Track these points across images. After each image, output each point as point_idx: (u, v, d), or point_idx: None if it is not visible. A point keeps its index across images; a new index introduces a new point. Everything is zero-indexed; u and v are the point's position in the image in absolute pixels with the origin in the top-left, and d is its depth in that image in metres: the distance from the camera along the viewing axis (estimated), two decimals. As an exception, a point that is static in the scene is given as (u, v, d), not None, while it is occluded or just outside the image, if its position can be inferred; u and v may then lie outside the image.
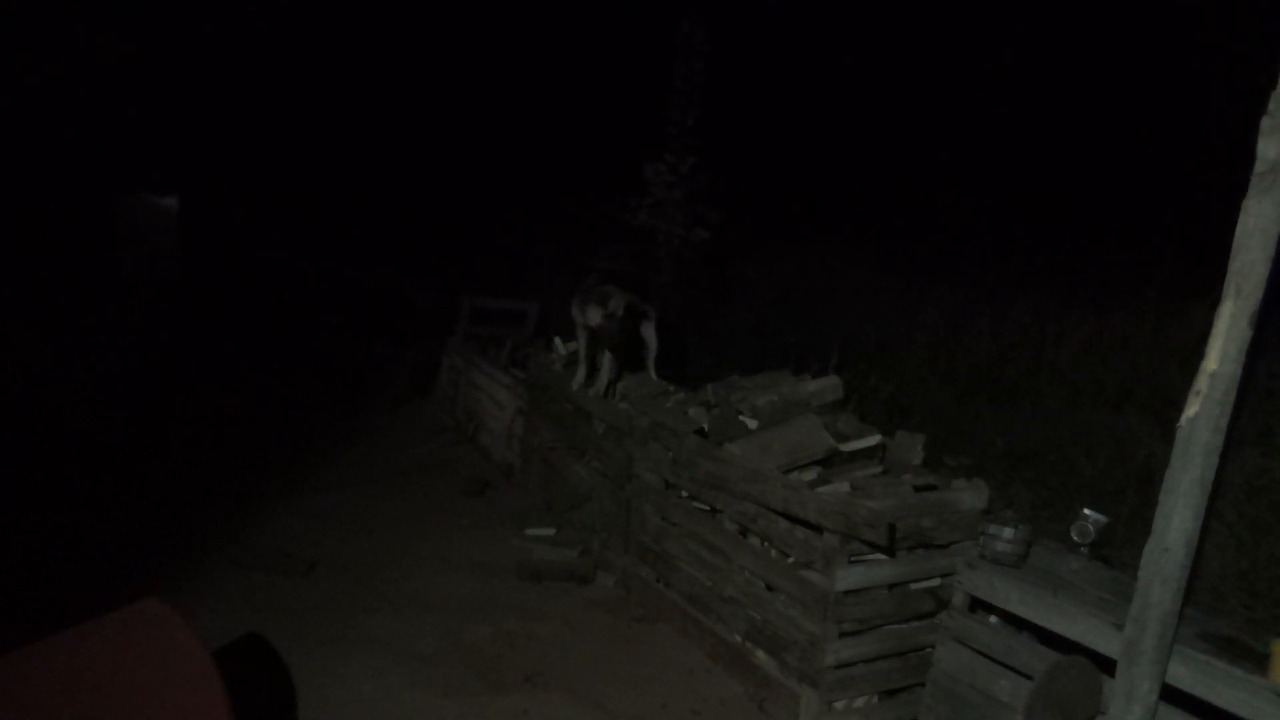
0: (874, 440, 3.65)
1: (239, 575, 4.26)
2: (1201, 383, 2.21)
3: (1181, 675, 2.54)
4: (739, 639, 3.69)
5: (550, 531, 4.92)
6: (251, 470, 5.66)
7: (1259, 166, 2.11)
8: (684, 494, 4.08)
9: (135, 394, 6.74)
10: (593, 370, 4.99)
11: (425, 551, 4.69)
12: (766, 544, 3.58)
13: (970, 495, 3.34)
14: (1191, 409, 2.22)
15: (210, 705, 2.45)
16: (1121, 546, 3.62)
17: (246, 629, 3.74)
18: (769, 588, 3.53)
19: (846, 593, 3.19)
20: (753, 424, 3.84)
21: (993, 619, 3.11)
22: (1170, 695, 2.58)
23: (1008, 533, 3.00)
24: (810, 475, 3.53)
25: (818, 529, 3.29)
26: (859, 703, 3.33)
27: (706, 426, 3.99)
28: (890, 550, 3.21)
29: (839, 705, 3.29)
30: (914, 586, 3.32)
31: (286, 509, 5.07)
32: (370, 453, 6.16)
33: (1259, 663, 2.50)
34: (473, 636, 3.89)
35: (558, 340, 5.39)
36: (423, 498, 5.45)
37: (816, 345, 5.75)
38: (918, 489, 3.37)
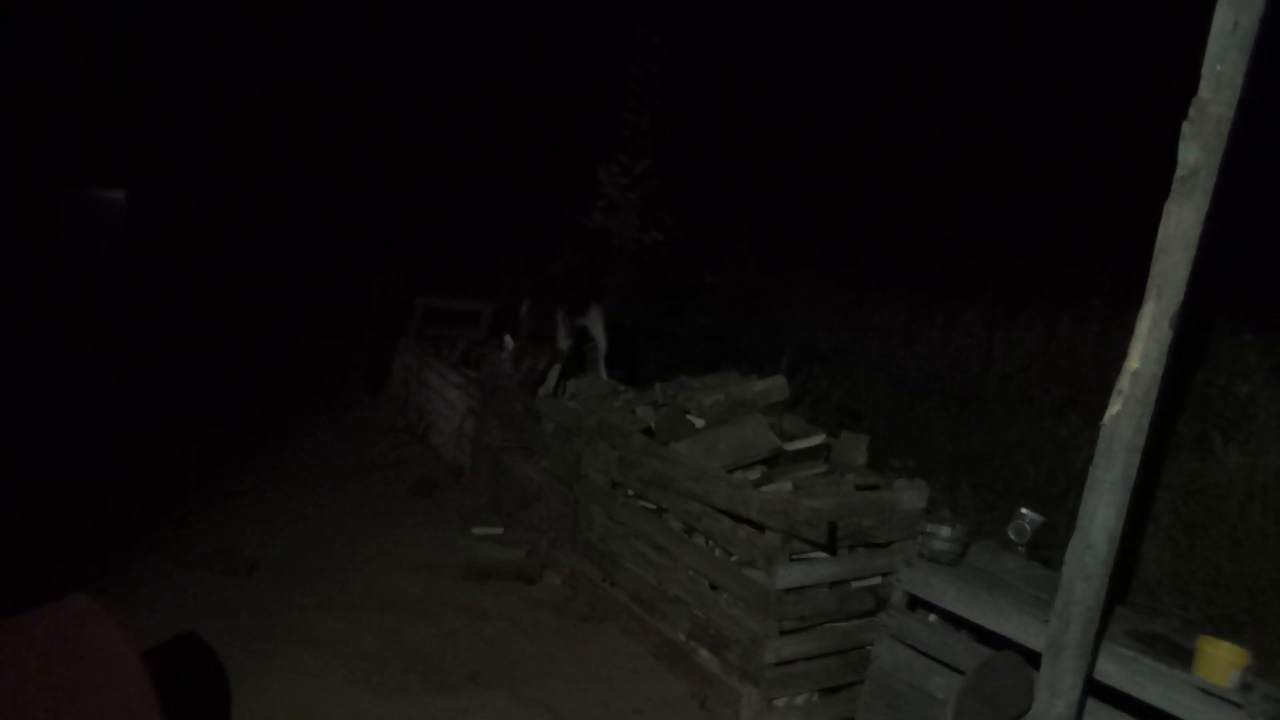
0: (818, 440, 3.69)
1: (178, 574, 4.19)
2: (1124, 382, 2.27)
3: (1109, 671, 2.60)
4: (683, 638, 3.70)
5: (498, 531, 4.90)
6: (195, 468, 5.57)
7: (1180, 170, 2.17)
8: (631, 493, 4.09)
9: (79, 392, 6.59)
10: (545, 372, 4.97)
11: (371, 551, 4.65)
12: (711, 543, 3.60)
13: (911, 495, 3.38)
14: (1115, 407, 2.27)
15: (136, 704, 2.42)
16: (1061, 548, 3.69)
17: (183, 628, 3.68)
18: (713, 586, 3.54)
19: (787, 591, 3.21)
20: (700, 423, 3.86)
21: (931, 617, 3.15)
22: (1099, 691, 2.64)
23: (945, 531, 3.05)
24: (755, 474, 3.55)
25: (760, 528, 3.31)
26: (799, 700, 3.36)
27: (654, 425, 4.00)
28: (831, 549, 3.24)
29: (779, 703, 3.32)
30: (855, 585, 3.36)
31: (230, 507, 5.00)
32: (319, 452, 6.10)
33: (1186, 660, 2.57)
34: (416, 636, 3.86)
35: (509, 339, 5.36)
36: (370, 497, 5.40)
37: (771, 350, 5.81)
38: (860, 488, 3.41)
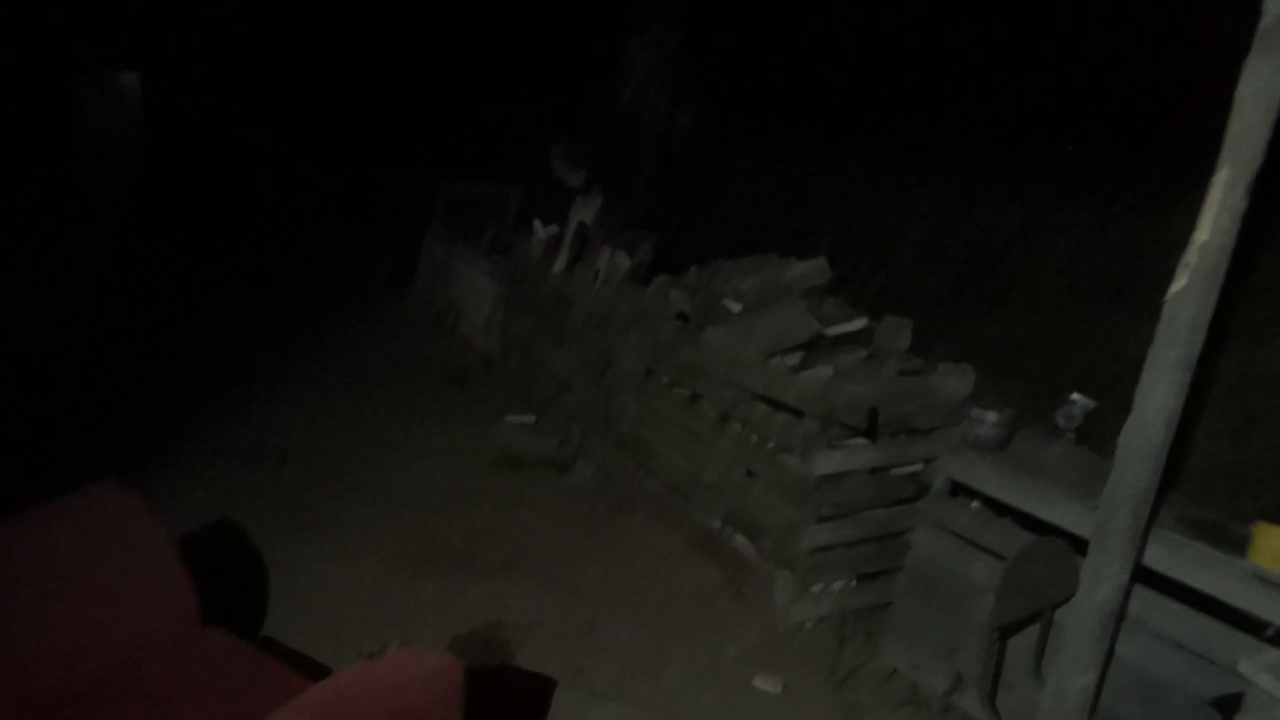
0: (859, 324, 3.62)
1: (211, 463, 4.26)
2: (1191, 255, 2.15)
3: (1159, 557, 2.57)
4: (717, 525, 3.74)
5: (529, 420, 4.95)
6: (227, 362, 5.62)
7: (1264, 20, 2.00)
8: (665, 381, 4.08)
9: (99, 300, 6.61)
10: (575, 257, 4.92)
11: (402, 441, 4.70)
12: (747, 430, 3.59)
13: (955, 381, 3.32)
14: (1179, 283, 2.17)
15: (171, 588, 2.46)
16: (1110, 437, 3.62)
17: (219, 516, 3.76)
18: (748, 474, 3.55)
19: (825, 478, 3.20)
20: (736, 308, 3.80)
21: (974, 504, 3.13)
22: (1146, 578, 2.61)
23: (991, 416, 3.00)
24: (793, 360, 3.50)
25: (798, 414, 3.29)
26: (835, 586, 3.38)
27: (688, 311, 3.95)
28: (871, 435, 3.22)
29: (815, 589, 3.35)
30: (895, 472, 3.33)
31: (262, 399, 5.06)
32: (348, 345, 6.13)
33: (1239, 547, 2.53)
34: (448, 525, 3.93)
35: (538, 224, 5.30)
36: (401, 389, 5.44)
37: (810, 236, 5.67)
38: (902, 374, 3.36)
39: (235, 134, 9.57)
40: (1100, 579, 2.44)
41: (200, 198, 8.87)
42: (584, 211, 5.09)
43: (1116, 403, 3.44)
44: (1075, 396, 3.11)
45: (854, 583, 3.41)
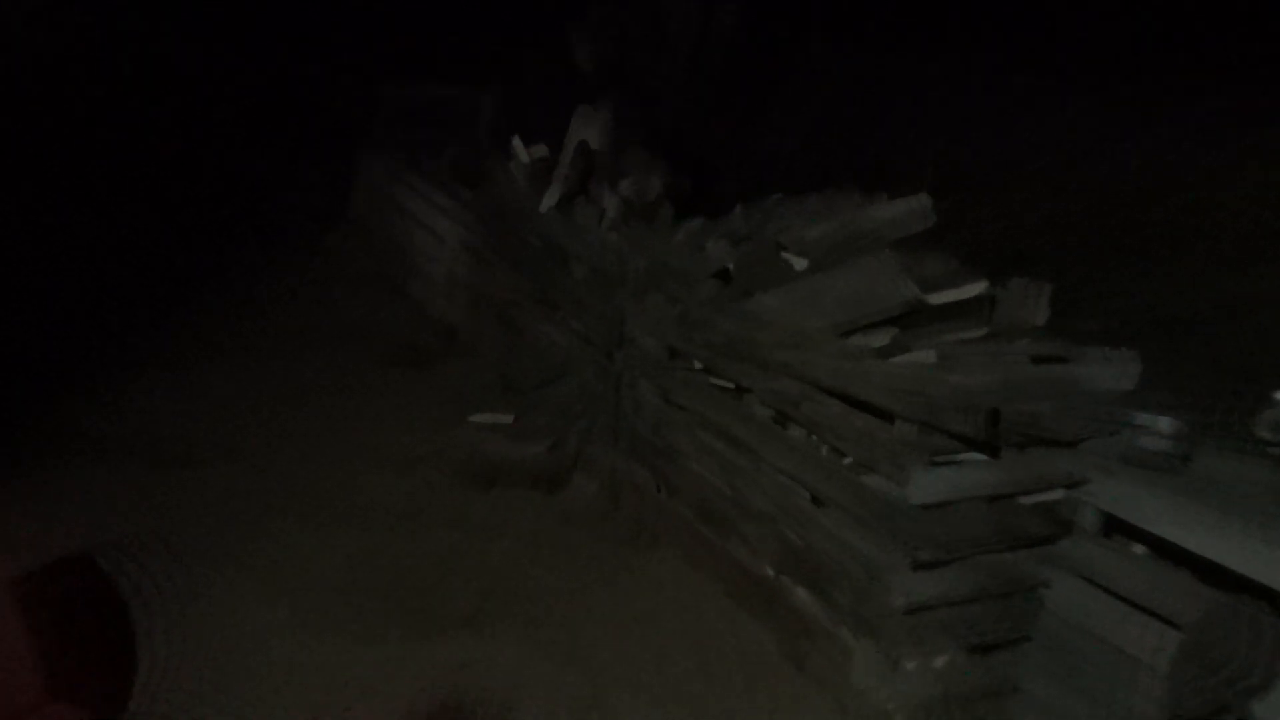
0: (976, 290, 3.50)
1: (90, 466, 4.33)
2: None
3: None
4: (769, 570, 3.69)
5: (509, 418, 4.91)
6: (113, 336, 5.66)
7: None
8: (697, 365, 4.06)
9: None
10: (575, 188, 4.89)
11: (337, 443, 4.75)
12: (813, 437, 3.54)
13: (1111, 371, 3.23)
14: None
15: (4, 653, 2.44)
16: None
17: (88, 541, 3.77)
18: (815, 499, 3.49)
19: (925, 507, 3.11)
20: (800, 265, 3.70)
21: (1137, 548, 3.06)
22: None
23: (1164, 424, 2.93)
24: (881, 339, 3.40)
25: (888, 416, 3.23)
26: (938, 661, 3.29)
27: (732, 268, 3.89)
28: (991, 447, 3.14)
29: (910, 664, 3.26)
30: (1024, 500, 3.24)
31: (160, 383, 5.14)
32: (268, 310, 6.19)
33: None
34: (398, 557, 3.93)
35: (519, 144, 5.23)
36: (335, 371, 5.50)
37: (904, 165, 5.62)
38: (1036, 360, 3.26)
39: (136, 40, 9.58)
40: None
41: (88, 115, 8.82)
42: (587, 127, 5.00)
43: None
44: (1283, 396, 3.01)
45: (964, 657, 3.32)
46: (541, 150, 5.29)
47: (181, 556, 3.75)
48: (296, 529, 4.04)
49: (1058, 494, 3.25)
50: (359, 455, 4.65)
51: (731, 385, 3.90)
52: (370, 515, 4.19)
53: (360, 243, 6.96)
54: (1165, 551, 2.97)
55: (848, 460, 3.40)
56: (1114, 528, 3.08)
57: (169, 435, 4.60)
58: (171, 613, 3.45)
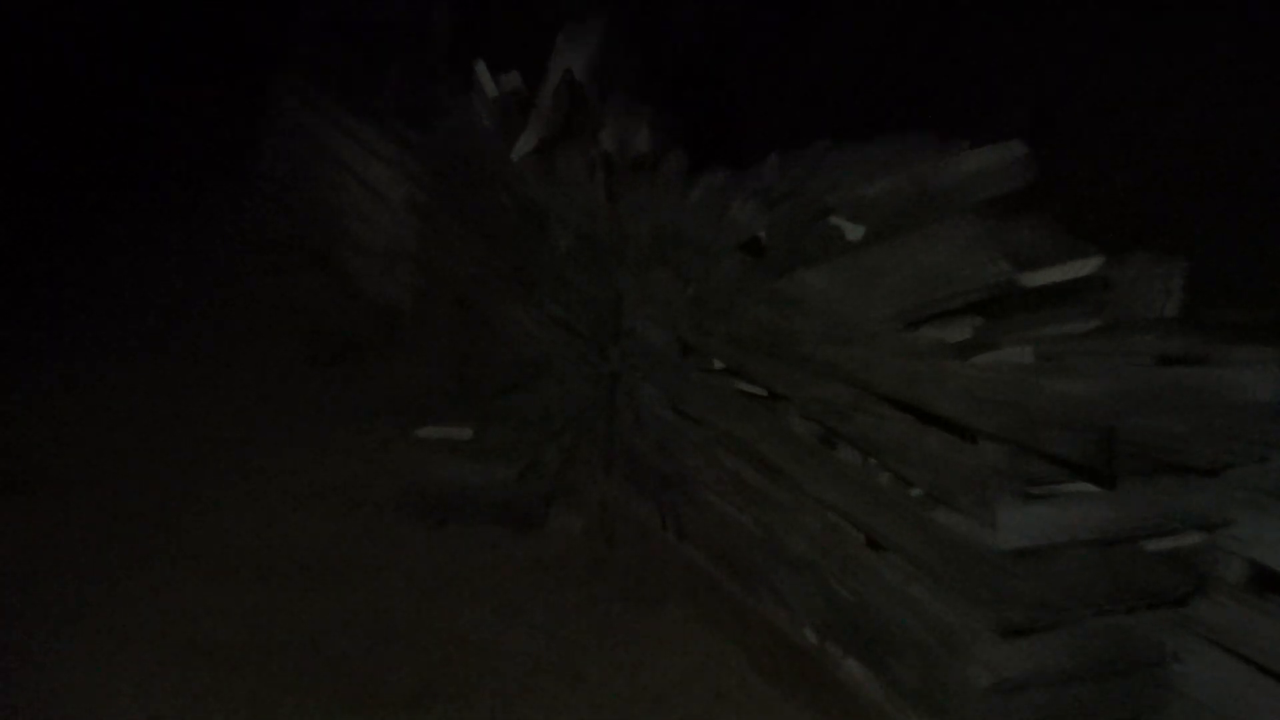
0: (1087, 269, 3.49)
1: None
2: None
3: None
4: (810, 636, 3.69)
5: (467, 433, 4.93)
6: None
7: None
8: (717, 365, 4.06)
9: None
10: (559, 131, 4.85)
11: (243, 466, 4.76)
12: (870, 460, 3.53)
13: (1262, 378, 3.21)
14: None
15: None
16: None
17: None
18: (871, 542, 3.50)
19: (1018, 553, 3.10)
20: (855, 233, 3.68)
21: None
22: None
23: None
24: (960, 332, 3.39)
25: (968, 433, 3.20)
26: (1032, 759, 3.29)
27: (764, 237, 3.88)
28: (1104, 476, 3.12)
29: (996, 761, 3.25)
30: (1147, 546, 3.23)
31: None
32: (150, 283, 6.23)
33: None
34: (319, 616, 3.92)
35: (484, 73, 5.21)
36: (237, 368, 5.53)
37: (990, 105, 5.61)
38: (1164, 362, 3.24)
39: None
40: None
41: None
42: (574, 50, 4.99)
43: None
44: None
45: (1066, 750, 3.31)
46: (514, 80, 5.23)
47: (7, 611, 3.74)
48: (179, 578, 4.04)
49: (1193, 538, 3.24)
50: (268, 481, 4.65)
51: (763, 391, 3.88)
52: (281, 561, 4.19)
53: (272, 200, 6.94)
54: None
55: (915, 491, 3.39)
56: (1267, 583, 3.07)
57: (6, 451, 4.60)
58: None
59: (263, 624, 3.86)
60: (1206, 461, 3.20)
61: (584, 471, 4.56)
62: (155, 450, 4.79)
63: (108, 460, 4.66)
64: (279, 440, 4.95)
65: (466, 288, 5.38)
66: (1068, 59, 6.20)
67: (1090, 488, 3.17)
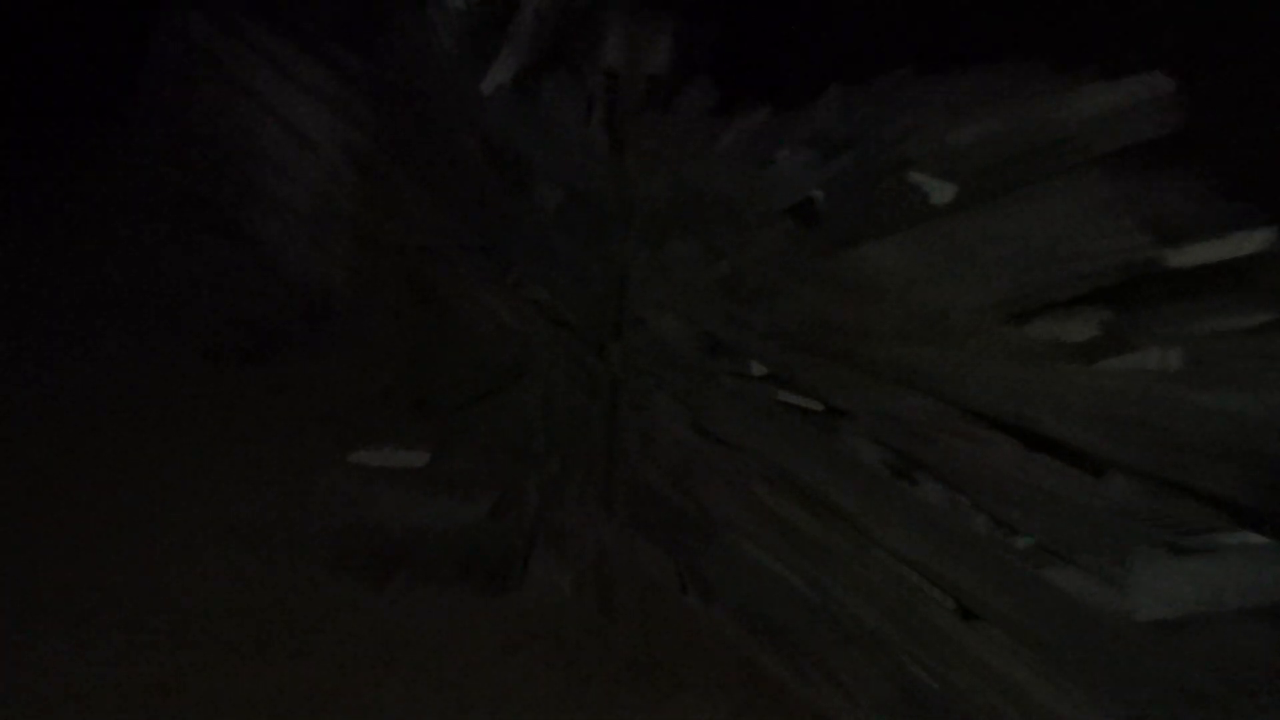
0: (1251, 244, 3.46)
1: None
2: None
3: None
4: None
5: (420, 456, 4.94)
6: None
7: None
8: (756, 370, 4.03)
9: None
10: (539, 60, 4.86)
11: (124, 500, 4.77)
12: (959, 498, 3.49)
13: None
14: None
15: None
16: None
17: None
18: (961, 608, 3.47)
19: (1161, 626, 3.07)
20: (941, 194, 3.66)
21: None
22: None
23: None
24: (1083, 328, 3.36)
25: (1092, 464, 3.18)
26: None
27: (819, 199, 3.85)
28: (1277, 523, 3.06)
29: None
30: None
31: None
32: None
33: None
34: (218, 701, 3.91)
35: None
36: (117, 367, 5.58)
37: (1116, 22, 5.57)
38: None
39: None
40: None
41: None
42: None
43: None
44: None
45: None
46: (487, -14, 5.27)
47: None
48: (29, 643, 4.04)
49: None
50: (158, 518, 4.67)
51: (817, 405, 3.85)
52: (170, 623, 4.19)
53: (164, 146, 6.93)
54: None
55: (1021, 541, 3.36)
56: None
57: None
58: None
59: (149, 709, 3.85)
60: None
61: (576, 511, 4.56)
62: (10, 475, 4.82)
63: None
64: (172, 464, 4.97)
65: (420, 263, 5.40)
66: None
67: (1257, 538, 3.13)
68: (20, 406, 5.25)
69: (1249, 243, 3.40)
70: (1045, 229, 3.47)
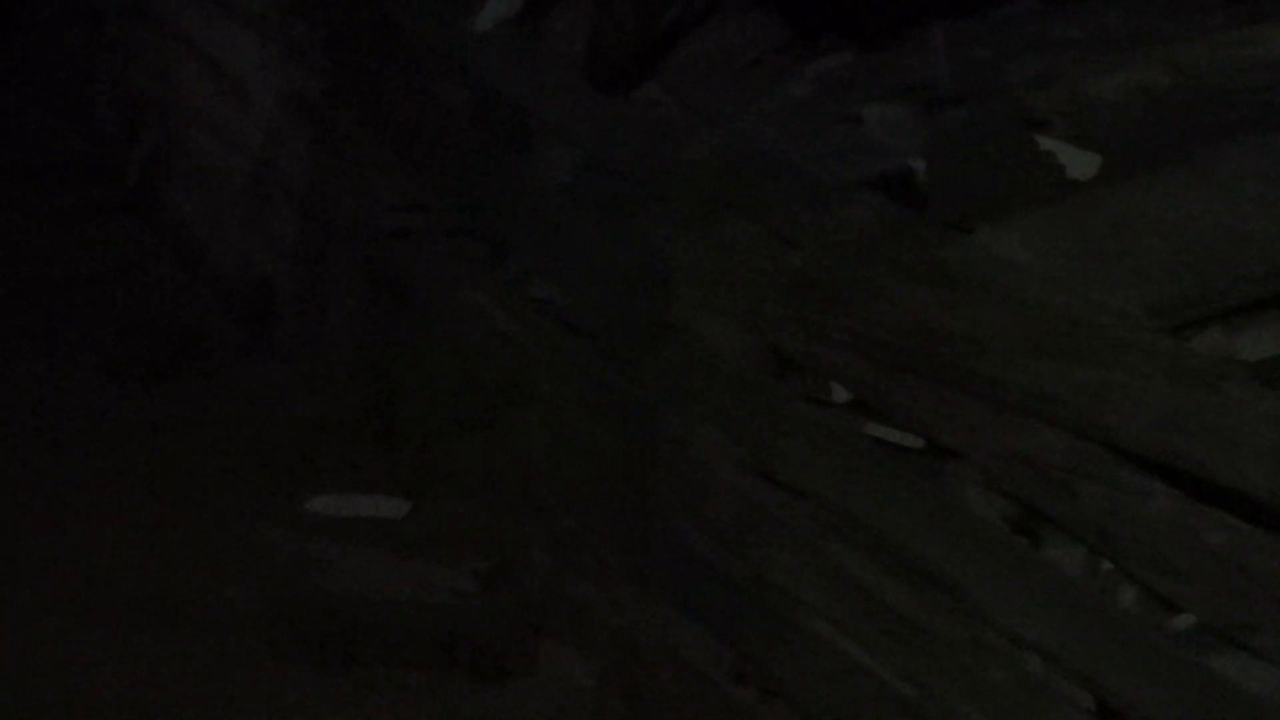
0: None
1: None
2: None
3: None
4: None
5: (396, 505, 4.93)
6: None
7: None
8: (837, 394, 4.01)
9: None
10: None
11: (15, 562, 4.79)
12: (1099, 564, 3.48)
13: None
14: None
15: None
16: None
17: None
18: (1101, 707, 3.43)
19: None
20: (1081, 163, 3.64)
21: None
22: None
23: None
24: (1264, 343, 3.34)
25: (1271, 521, 3.13)
26: None
27: (922, 169, 3.85)
28: None
29: None
30: None
31: None
32: None
33: None
34: None
35: None
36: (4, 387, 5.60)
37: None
38: None
39: None
40: None
41: None
42: None
43: None
44: None
45: None
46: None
47: None
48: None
49: None
50: (56, 590, 4.69)
51: (917, 442, 3.82)
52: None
53: (55, 98, 6.95)
54: None
55: (1180, 620, 3.35)
56: None
57: None
58: None
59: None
60: None
61: (596, 579, 4.53)
62: None
63: None
64: (58, 516, 4.98)
65: (387, 249, 5.39)
66: None
67: None
68: None
69: None
70: (1217, 211, 3.45)
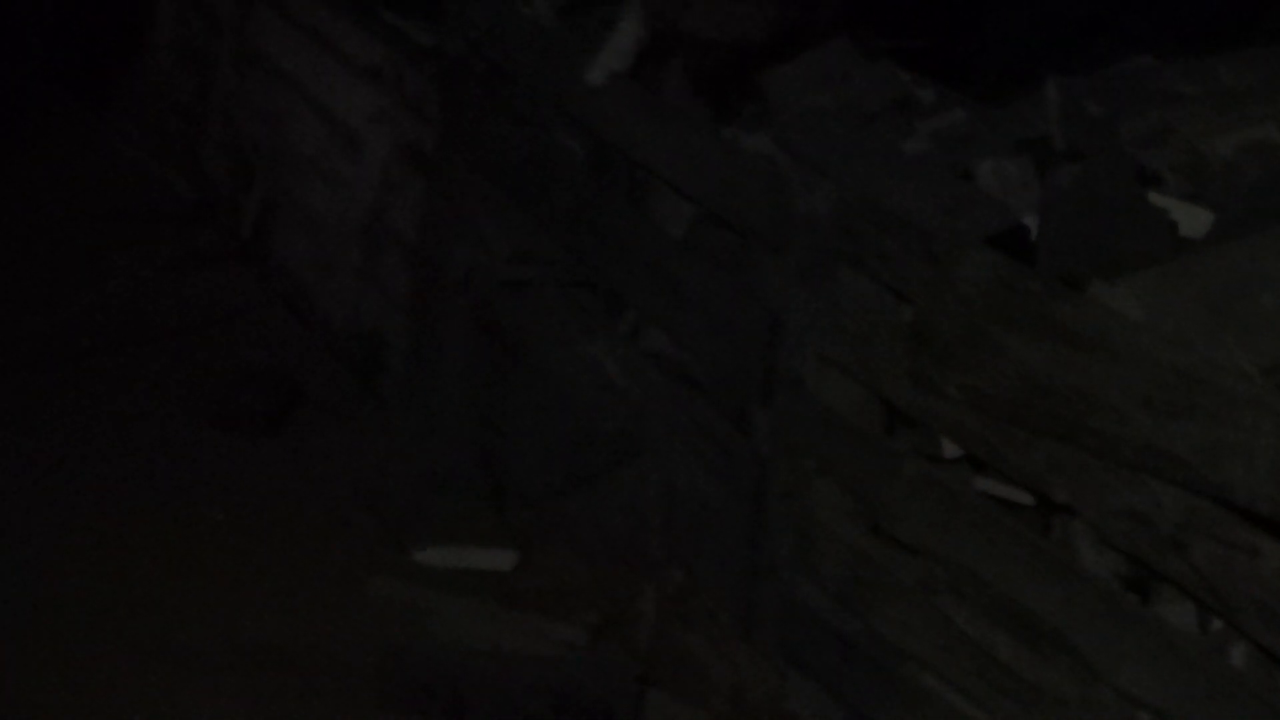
0: None
1: None
2: None
3: None
4: None
5: (508, 558, 4.99)
6: None
7: None
8: (949, 450, 4.06)
9: None
10: (671, 32, 4.93)
11: (101, 610, 4.77)
12: (1209, 620, 3.54)
13: None
14: None
15: None
16: None
17: None
18: None
19: None
20: (1196, 220, 3.70)
21: None
22: None
23: None
24: None
25: None
26: None
27: (1034, 227, 3.91)
28: None
29: None
30: None
31: None
32: None
33: None
34: None
35: None
36: (98, 438, 5.61)
37: None
38: None
39: None
40: None
41: None
42: None
43: None
44: None
45: None
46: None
47: None
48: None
49: None
50: (174, 639, 4.68)
51: (1029, 498, 3.88)
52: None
53: (161, 141, 6.98)
54: None
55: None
56: None
57: None
58: None
59: None
60: None
61: (706, 632, 4.56)
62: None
63: None
64: (170, 567, 4.98)
65: (500, 301, 5.42)
66: None
67: None
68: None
69: None
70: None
